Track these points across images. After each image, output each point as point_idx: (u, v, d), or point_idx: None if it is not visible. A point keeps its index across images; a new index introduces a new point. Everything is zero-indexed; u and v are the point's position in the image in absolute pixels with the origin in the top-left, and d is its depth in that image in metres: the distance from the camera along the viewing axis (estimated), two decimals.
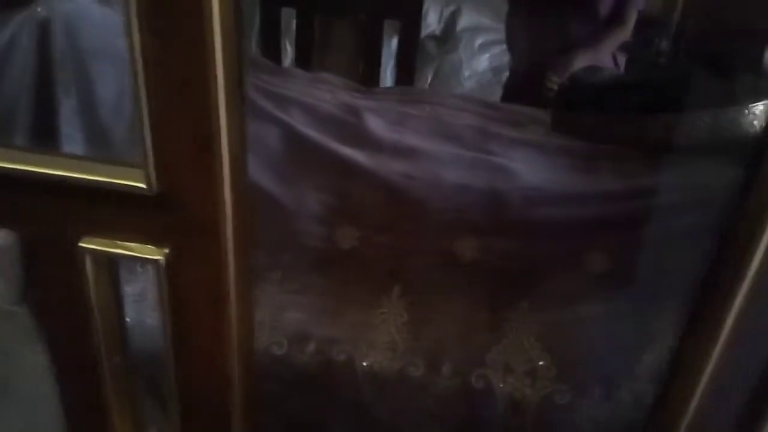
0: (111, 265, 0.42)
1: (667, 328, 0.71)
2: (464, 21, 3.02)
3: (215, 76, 0.36)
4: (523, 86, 1.48)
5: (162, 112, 0.37)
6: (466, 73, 3.06)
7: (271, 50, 1.64)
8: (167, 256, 0.41)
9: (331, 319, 0.77)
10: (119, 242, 0.41)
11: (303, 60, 1.57)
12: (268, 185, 0.87)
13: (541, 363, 0.72)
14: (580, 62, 1.36)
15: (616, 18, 1.41)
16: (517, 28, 1.58)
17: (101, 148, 0.90)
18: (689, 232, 0.78)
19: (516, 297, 0.79)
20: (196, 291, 0.42)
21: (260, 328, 0.74)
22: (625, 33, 1.39)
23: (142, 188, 0.38)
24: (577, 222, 0.83)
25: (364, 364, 0.72)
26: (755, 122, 0.91)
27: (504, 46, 3.19)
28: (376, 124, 0.94)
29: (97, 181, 0.38)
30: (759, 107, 0.91)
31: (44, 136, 0.87)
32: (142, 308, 0.74)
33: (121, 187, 0.38)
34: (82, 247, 0.40)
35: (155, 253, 0.41)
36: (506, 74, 2.95)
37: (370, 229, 0.84)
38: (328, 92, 1.05)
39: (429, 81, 3.09)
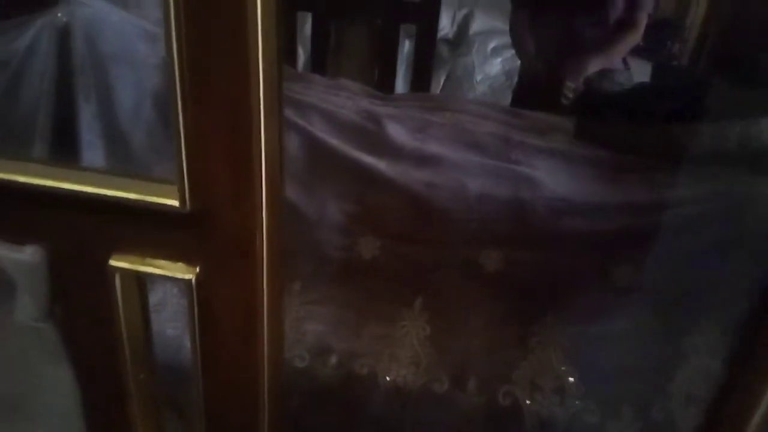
0: (140, 282, 0.41)
1: (700, 345, 0.70)
2: (477, 25, 3.01)
3: (256, 90, 0.35)
4: (533, 92, 1.45)
5: (199, 127, 0.36)
6: (479, 77, 3.04)
7: (286, 54, 1.64)
8: (198, 275, 0.40)
9: (353, 332, 0.75)
10: (149, 260, 0.40)
11: (318, 64, 1.56)
12: (288, 193, 0.86)
13: (570, 380, 0.70)
14: (594, 66, 1.33)
15: (627, 21, 1.38)
16: (524, 33, 1.56)
17: (121, 153, 0.89)
18: (720, 245, 0.76)
19: (541, 311, 0.77)
20: (226, 309, 0.41)
21: None
22: (636, 37, 1.37)
23: (176, 206, 0.37)
24: (603, 234, 0.82)
25: (387, 378, 0.70)
26: None
27: None
28: (397, 132, 0.92)
29: (128, 198, 0.37)
30: None
31: (64, 142, 0.87)
32: (162, 318, 0.73)
33: (154, 205, 0.37)
34: (112, 265, 0.39)
35: (186, 272, 0.40)
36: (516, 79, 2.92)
37: (391, 239, 0.83)
38: (348, 99, 1.03)
39: (441, 84, 3.08)
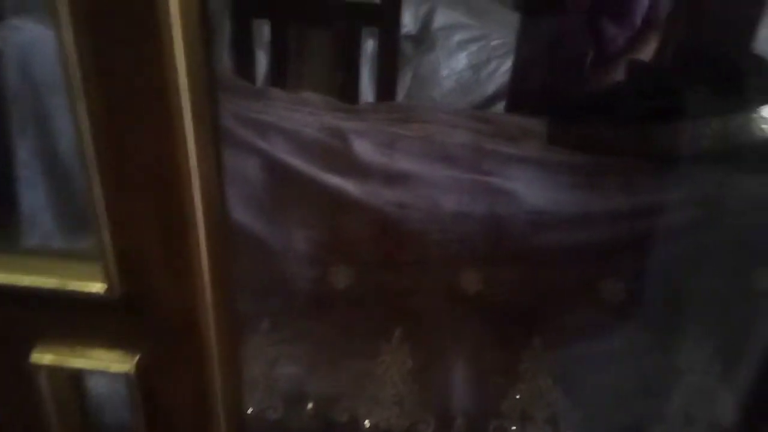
0: (73, 378, 0.35)
1: (696, 362, 0.66)
2: (440, 19, 2.97)
3: (183, 145, 0.29)
4: (540, 96, 1.39)
5: (121, 193, 0.30)
6: (445, 72, 3.01)
7: (244, 66, 1.56)
8: (138, 364, 0.34)
9: (329, 372, 0.70)
10: (80, 350, 0.34)
11: (279, 76, 1.50)
12: (249, 223, 0.80)
13: (561, 408, 0.66)
14: (624, 72, 1.30)
15: (652, 20, 1.35)
16: (537, 37, 1.49)
17: (65, 192, 0.82)
18: (710, 251, 0.73)
19: (527, 333, 0.73)
20: (176, 401, 0.35)
21: (251, 388, 0.67)
22: (656, 36, 1.33)
23: (102, 292, 0.31)
24: (586, 246, 0.78)
25: (367, 424, 0.65)
26: (764, 126, 0.87)
27: (482, 43, 3.14)
28: (364, 148, 0.87)
29: (45, 287, 0.31)
30: (766, 111, 0.86)
31: None
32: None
33: (77, 293, 0.31)
34: (33, 362, 0.33)
35: (124, 361, 0.34)
36: (491, 77, 2.90)
37: (365, 267, 0.78)
38: (311, 115, 0.97)
39: (408, 83, 3.03)
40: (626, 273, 0.76)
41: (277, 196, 0.83)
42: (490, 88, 3.03)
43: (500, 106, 3.04)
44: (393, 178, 0.83)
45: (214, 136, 0.31)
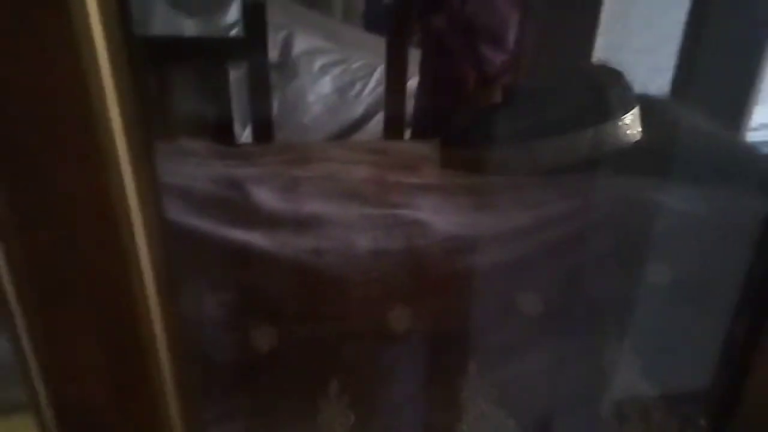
0: None
1: (617, 361, 0.71)
2: (299, 45, 2.96)
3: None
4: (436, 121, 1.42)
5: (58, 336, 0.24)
6: (311, 97, 3.01)
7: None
8: None
9: None
10: None
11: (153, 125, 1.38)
12: None
13: (509, 428, 0.67)
14: (501, 92, 1.35)
15: (525, 41, 1.43)
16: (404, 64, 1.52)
17: None
18: (608, 252, 0.79)
19: (462, 361, 0.73)
20: None
21: None
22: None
23: None
24: (499, 265, 0.80)
25: None
26: (628, 132, 0.97)
27: (344, 66, 3.18)
28: (265, 196, 0.82)
29: None
30: (628, 117, 0.96)
31: None
32: None
33: None
34: None
35: None
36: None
37: (287, 323, 0.73)
38: (198, 165, 0.90)
39: (275, 111, 2.97)
40: (539, 284, 0.79)
41: (177, 264, 0.75)
42: (358, 109, 3.09)
43: (371, 126, 3.11)
44: (302, 224, 0.79)
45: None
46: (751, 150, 0.99)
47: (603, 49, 1.76)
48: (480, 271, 0.79)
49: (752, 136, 1.53)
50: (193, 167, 0.88)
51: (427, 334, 0.75)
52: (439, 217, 0.84)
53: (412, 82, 1.68)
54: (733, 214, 0.80)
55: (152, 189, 0.24)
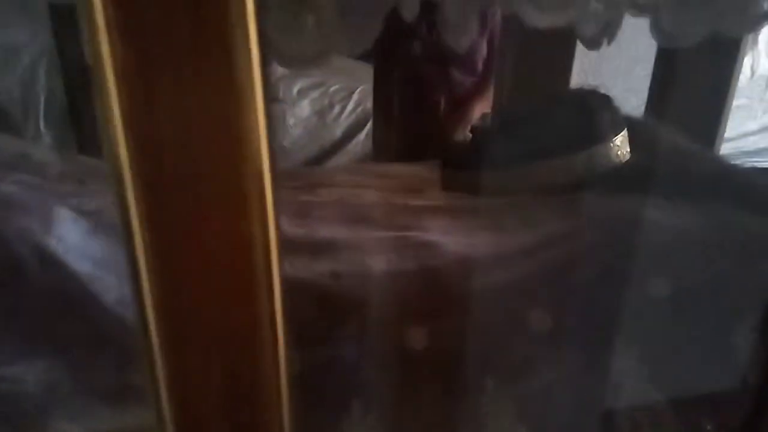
0: None
1: (628, 369, 0.75)
2: (278, 69, 2.99)
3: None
4: (403, 146, 1.46)
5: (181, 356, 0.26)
6: (291, 121, 3.03)
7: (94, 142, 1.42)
8: None
9: None
10: None
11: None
12: None
13: None
14: (475, 113, 1.40)
15: (493, 65, 1.48)
16: (391, 88, 1.56)
17: None
18: (611, 267, 0.84)
19: (480, 378, 0.76)
20: None
21: None
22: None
23: None
24: (508, 282, 0.84)
25: None
26: (618, 152, 1.02)
27: (322, 89, 3.22)
28: (280, 223, 0.84)
29: None
30: (618, 139, 1.02)
31: None
32: None
33: None
34: None
35: None
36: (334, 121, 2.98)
37: (309, 346, 0.75)
38: None
39: None
40: (546, 301, 0.83)
41: None
42: (338, 131, 3.12)
43: (350, 148, 3.15)
44: (318, 248, 0.82)
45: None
46: (730, 166, 1.06)
47: (578, 73, 1.85)
48: (490, 290, 0.82)
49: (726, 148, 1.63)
50: None
51: (444, 351, 0.78)
52: (447, 238, 0.87)
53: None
54: (720, 227, 0.86)
55: (279, 240, 0.26)
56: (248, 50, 0.22)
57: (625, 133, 1.03)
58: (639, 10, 0.60)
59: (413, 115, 1.54)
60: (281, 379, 0.27)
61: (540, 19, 0.55)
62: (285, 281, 0.35)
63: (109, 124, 0.20)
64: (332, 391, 0.74)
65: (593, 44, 0.59)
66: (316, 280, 0.77)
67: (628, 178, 0.99)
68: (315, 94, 3.06)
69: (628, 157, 1.03)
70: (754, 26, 0.60)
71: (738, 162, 1.49)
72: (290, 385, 0.27)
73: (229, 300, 0.27)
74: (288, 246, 0.80)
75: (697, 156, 1.04)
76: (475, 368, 0.77)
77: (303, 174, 1.08)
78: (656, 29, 0.61)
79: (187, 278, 0.26)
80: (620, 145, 1.01)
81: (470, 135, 1.19)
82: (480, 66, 1.53)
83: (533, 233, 0.89)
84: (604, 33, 0.57)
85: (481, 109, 1.48)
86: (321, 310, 0.77)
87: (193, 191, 0.24)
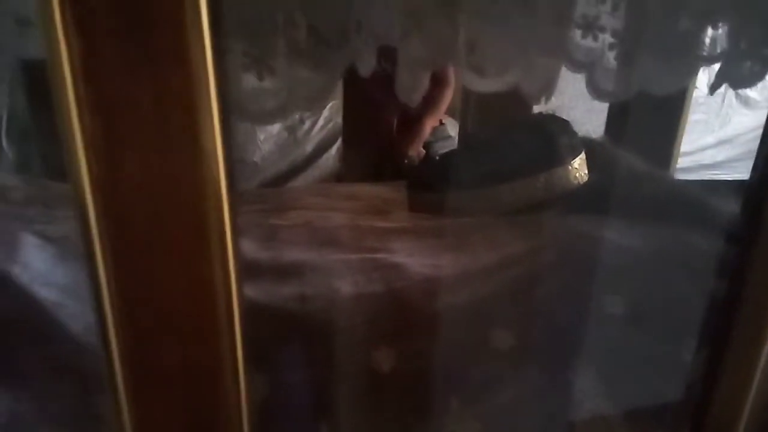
0: None
1: (588, 389, 0.78)
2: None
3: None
4: (366, 164, 1.49)
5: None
6: (262, 136, 3.02)
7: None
8: None
9: None
10: None
11: None
12: None
13: None
14: (428, 130, 1.42)
15: (441, 78, 1.50)
16: (356, 109, 1.59)
17: None
18: (569, 286, 0.87)
19: (445, 397, 0.78)
20: None
21: None
22: (451, 90, 1.49)
23: None
24: (471, 302, 0.86)
25: None
26: (576, 175, 1.06)
27: None
28: (246, 247, 0.85)
29: None
30: (577, 161, 1.06)
31: None
32: None
33: None
34: None
35: None
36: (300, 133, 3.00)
37: (276, 370, 0.76)
38: None
39: None
40: (507, 320, 0.86)
41: None
42: (309, 147, 3.13)
43: (321, 162, 3.15)
44: (285, 272, 0.83)
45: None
46: (683, 187, 1.12)
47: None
48: (454, 310, 0.85)
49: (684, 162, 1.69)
50: None
51: (410, 372, 0.79)
52: (413, 259, 0.89)
53: None
54: (671, 247, 0.90)
55: (241, 270, 0.28)
56: (210, 112, 0.24)
57: (583, 155, 1.07)
58: (576, 66, 0.65)
59: (372, 135, 1.56)
60: (243, 411, 0.28)
61: (482, 85, 0.59)
62: (248, 311, 0.36)
63: (78, 187, 0.22)
64: (299, 415, 0.75)
65: (534, 100, 0.64)
66: (282, 304, 0.78)
67: (586, 200, 1.03)
68: None
69: (586, 178, 1.08)
70: (678, 84, 0.65)
71: (692, 178, 1.56)
72: (252, 417, 0.29)
73: (192, 335, 0.29)
74: (256, 270, 0.81)
75: (651, 177, 1.09)
76: (440, 388, 0.79)
77: (269, 196, 1.09)
78: (590, 86, 0.66)
79: (149, 315, 0.27)
80: (578, 167, 1.05)
81: (424, 151, 1.22)
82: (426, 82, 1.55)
83: (496, 253, 0.92)
84: (545, 89, 0.61)
85: (432, 123, 1.49)
86: (288, 333, 0.78)
87: (157, 244, 0.25)
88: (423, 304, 0.83)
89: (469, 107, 1.38)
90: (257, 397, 0.29)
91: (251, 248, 0.86)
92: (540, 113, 1.06)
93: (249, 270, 0.83)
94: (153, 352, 0.27)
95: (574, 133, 1.07)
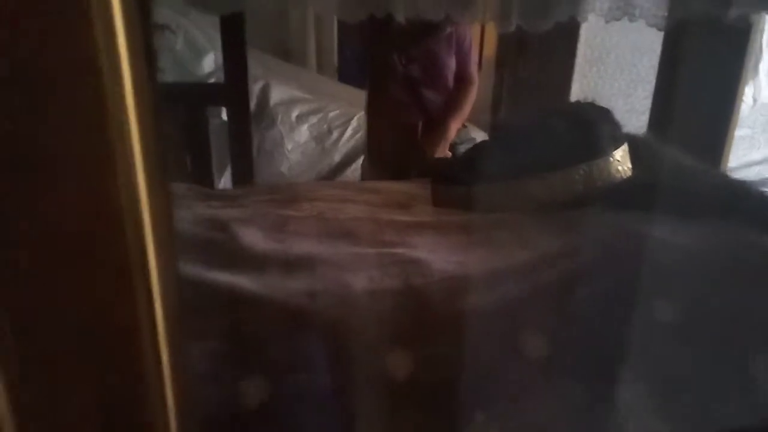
0: None
1: (630, 402, 0.67)
2: (276, 95, 2.99)
3: None
4: (391, 170, 1.43)
5: None
6: (289, 146, 3.01)
7: None
8: None
9: None
10: None
11: None
12: None
13: None
14: (455, 129, 1.37)
15: (464, 77, 1.46)
16: (381, 114, 1.55)
17: None
18: (613, 290, 0.76)
19: (469, 409, 0.68)
20: None
21: None
22: (475, 90, 1.45)
23: None
24: (500, 305, 0.77)
25: None
26: (619, 168, 0.96)
27: (321, 115, 3.21)
28: (253, 237, 0.78)
29: None
30: (619, 153, 0.96)
31: None
32: None
33: None
34: None
35: None
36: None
37: (281, 375, 0.68)
38: (177, 208, 0.86)
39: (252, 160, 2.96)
40: (541, 325, 0.75)
41: None
42: (336, 157, 3.09)
43: (348, 173, 3.11)
44: (293, 265, 0.75)
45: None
46: (741, 183, 1.00)
47: (578, 94, 1.81)
48: (480, 312, 0.75)
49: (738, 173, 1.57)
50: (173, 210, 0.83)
51: (430, 379, 0.70)
52: (435, 255, 0.81)
53: None
54: (728, 247, 0.79)
55: (169, 234, 0.20)
56: None
57: (625, 147, 0.97)
58: None
59: (397, 139, 1.52)
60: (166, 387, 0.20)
61: None
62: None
63: None
64: (304, 424, 0.66)
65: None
66: (289, 300, 0.70)
67: (629, 195, 0.92)
68: (314, 119, 3.04)
69: (629, 173, 0.97)
70: None
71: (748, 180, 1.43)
72: (177, 392, 0.21)
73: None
74: (261, 262, 0.74)
75: (704, 173, 0.98)
76: (463, 398, 0.69)
77: (282, 188, 1.02)
78: None
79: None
80: (621, 160, 0.95)
81: (450, 154, 1.15)
82: (451, 82, 1.50)
83: (527, 252, 0.83)
84: None
85: (457, 125, 1.45)
86: (294, 332, 0.70)
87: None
88: (445, 303, 0.74)
89: (502, 95, 1.31)
90: (186, 371, 0.21)
91: (257, 238, 0.78)
92: (578, 101, 0.96)
93: (254, 262, 0.75)
94: (65, 313, 0.19)
95: (616, 123, 0.97)
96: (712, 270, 0.78)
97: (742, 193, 0.94)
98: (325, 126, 3.05)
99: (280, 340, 0.69)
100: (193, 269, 0.73)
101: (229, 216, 0.82)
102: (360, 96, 2.64)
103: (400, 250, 0.80)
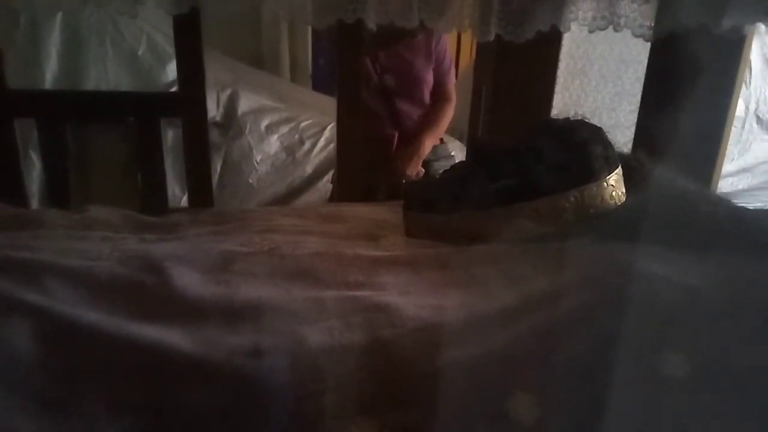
0: None
1: None
2: (244, 104, 2.86)
3: None
4: (361, 185, 1.33)
5: None
6: (258, 156, 2.89)
7: (8, 179, 1.21)
8: None
9: None
10: None
11: (57, 191, 1.19)
12: (23, 425, 0.52)
13: None
14: (427, 148, 1.29)
15: (442, 94, 1.39)
16: (353, 125, 1.46)
17: None
18: (610, 336, 0.66)
19: None
20: None
21: None
22: (452, 107, 1.39)
23: None
24: (484, 358, 0.65)
25: None
26: (613, 193, 0.86)
27: (292, 125, 3.09)
28: (189, 280, 0.65)
29: None
30: (613, 177, 0.86)
31: None
32: None
33: None
34: None
35: None
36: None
37: None
38: (104, 241, 0.72)
39: (218, 171, 2.83)
40: (533, 381, 0.64)
41: (66, 373, 0.56)
42: (308, 168, 2.97)
43: (320, 185, 2.98)
44: (237, 315, 0.62)
45: None
46: (745, 212, 0.90)
47: (560, 107, 1.73)
48: (460, 369, 0.64)
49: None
50: (96, 243, 0.70)
51: None
52: (407, 299, 0.69)
53: None
54: (748, 286, 0.69)
55: None
56: None
57: (619, 170, 0.87)
58: None
59: (369, 152, 1.43)
60: None
61: None
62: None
63: None
64: None
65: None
66: (230, 360, 0.58)
67: (624, 224, 0.82)
68: (285, 129, 2.92)
69: (623, 198, 0.87)
70: None
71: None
72: None
73: None
74: (197, 312, 0.61)
75: (707, 199, 0.88)
76: None
77: (232, 215, 0.89)
78: None
79: None
80: (615, 184, 0.85)
81: (423, 171, 1.05)
82: (427, 97, 1.43)
83: (515, 291, 0.71)
84: None
85: (432, 141, 1.38)
86: (235, 401, 0.57)
87: None
88: (418, 360, 0.62)
89: (480, 111, 1.21)
90: None
91: (194, 282, 0.65)
92: (568, 118, 0.86)
93: (189, 312, 0.62)
94: None
95: (609, 143, 0.86)
96: (723, 312, 0.68)
97: (751, 221, 0.84)
98: (296, 136, 2.93)
99: (217, 413, 0.56)
100: (112, 321, 0.60)
101: (163, 252, 0.69)
102: (335, 105, 2.54)
103: (366, 293, 0.68)
